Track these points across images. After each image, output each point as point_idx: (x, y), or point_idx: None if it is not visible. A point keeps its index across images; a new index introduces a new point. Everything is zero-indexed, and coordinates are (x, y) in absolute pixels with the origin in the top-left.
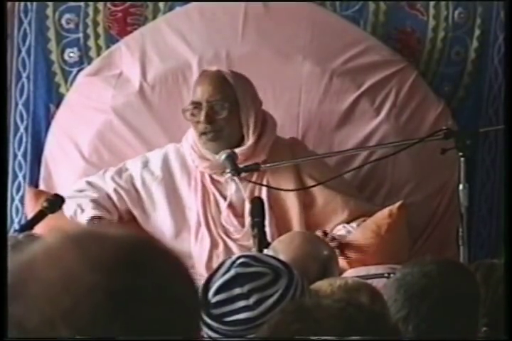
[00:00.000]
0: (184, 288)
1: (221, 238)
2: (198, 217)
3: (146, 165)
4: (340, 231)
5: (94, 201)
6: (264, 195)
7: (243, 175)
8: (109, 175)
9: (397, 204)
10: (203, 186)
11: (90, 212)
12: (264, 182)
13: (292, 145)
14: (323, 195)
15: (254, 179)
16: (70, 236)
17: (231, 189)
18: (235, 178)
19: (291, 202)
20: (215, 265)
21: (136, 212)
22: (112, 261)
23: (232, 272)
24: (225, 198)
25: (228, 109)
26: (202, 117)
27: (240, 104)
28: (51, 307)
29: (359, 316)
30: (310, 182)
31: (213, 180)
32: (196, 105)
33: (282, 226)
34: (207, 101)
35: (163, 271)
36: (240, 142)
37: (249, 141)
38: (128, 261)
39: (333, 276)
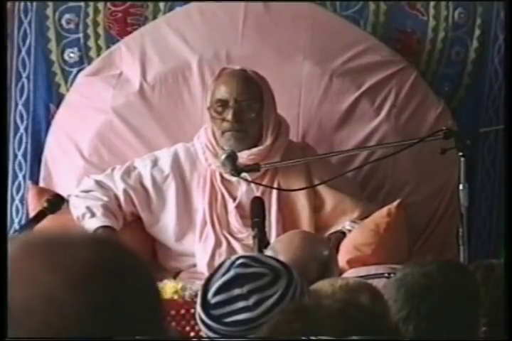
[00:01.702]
0: (152, 291)
1: (225, 237)
2: (203, 215)
3: (155, 164)
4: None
5: (105, 207)
6: (274, 196)
7: (255, 176)
8: (118, 174)
9: (396, 202)
10: (212, 185)
11: (100, 218)
12: (276, 184)
13: (304, 149)
14: (332, 197)
15: (265, 180)
16: (36, 249)
17: (242, 189)
18: (248, 178)
19: (302, 203)
20: (217, 264)
21: (143, 214)
22: (83, 276)
23: (231, 273)
24: (233, 198)
25: (257, 110)
26: (229, 116)
27: (265, 105)
28: (39, 327)
29: (359, 316)
30: (321, 185)
31: (224, 180)
32: (222, 103)
33: (291, 227)
34: (235, 100)
35: (133, 278)
36: (257, 142)
37: (267, 141)
38: (98, 273)
39: (332, 276)
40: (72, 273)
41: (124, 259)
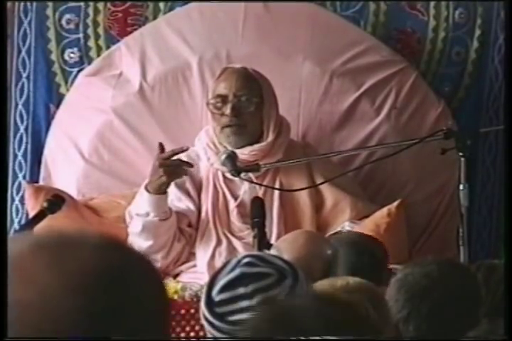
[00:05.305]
0: (157, 296)
1: (226, 236)
2: (206, 215)
3: None
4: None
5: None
6: (276, 194)
7: (256, 174)
8: None
9: (396, 203)
10: (214, 185)
11: None
12: (277, 182)
13: (305, 148)
14: (332, 195)
15: (267, 178)
16: (42, 246)
17: (244, 187)
18: (252, 178)
19: (304, 202)
20: (217, 263)
21: None
22: (89, 279)
23: (237, 271)
24: (235, 197)
25: (255, 104)
26: (228, 110)
27: (265, 101)
28: (31, 331)
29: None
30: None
31: (226, 179)
32: (222, 98)
33: (293, 225)
34: (234, 94)
35: (141, 283)
36: (258, 139)
37: (269, 137)
38: (101, 281)
39: (335, 276)
40: (74, 277)
41: (131, 267)
